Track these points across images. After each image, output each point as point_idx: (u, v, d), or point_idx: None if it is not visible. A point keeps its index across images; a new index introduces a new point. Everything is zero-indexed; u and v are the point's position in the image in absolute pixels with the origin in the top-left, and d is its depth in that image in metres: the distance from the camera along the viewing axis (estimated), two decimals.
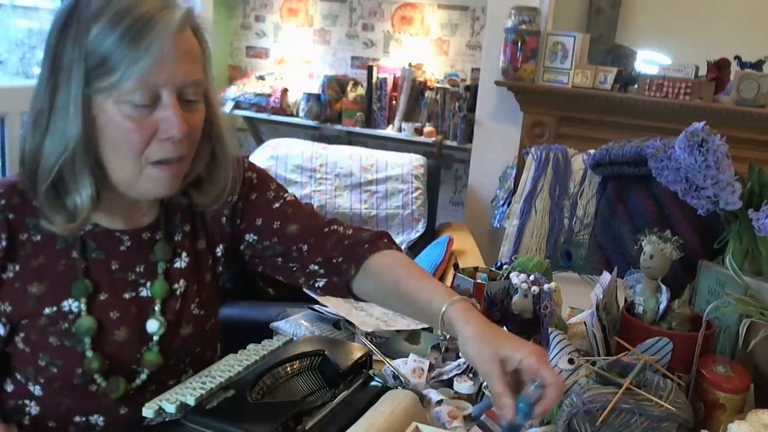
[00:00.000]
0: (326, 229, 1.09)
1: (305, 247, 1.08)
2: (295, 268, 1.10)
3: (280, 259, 1.10)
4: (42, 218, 0.93)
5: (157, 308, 1.01)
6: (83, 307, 0.97)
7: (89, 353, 0.96)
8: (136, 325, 1.00)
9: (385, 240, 1.09)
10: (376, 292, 1.06)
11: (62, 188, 0.91)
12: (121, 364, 0.99)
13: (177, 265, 1.05)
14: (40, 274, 0.96)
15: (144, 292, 1.02)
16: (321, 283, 1.09)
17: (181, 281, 1.04)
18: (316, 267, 1.08)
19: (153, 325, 1.00)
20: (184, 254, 1.05)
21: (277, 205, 1.11)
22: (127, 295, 1.01)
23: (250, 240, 1.11)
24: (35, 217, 0.95)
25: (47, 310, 0.96)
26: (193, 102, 0.93)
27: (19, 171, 0.96)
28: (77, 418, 1.00)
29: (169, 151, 0.91)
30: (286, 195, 1.13)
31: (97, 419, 1.00)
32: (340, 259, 1.06)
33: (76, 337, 0.96)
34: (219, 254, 1.11)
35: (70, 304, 0.97)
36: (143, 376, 1.00)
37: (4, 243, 0.94)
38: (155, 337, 1.01)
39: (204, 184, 1.03)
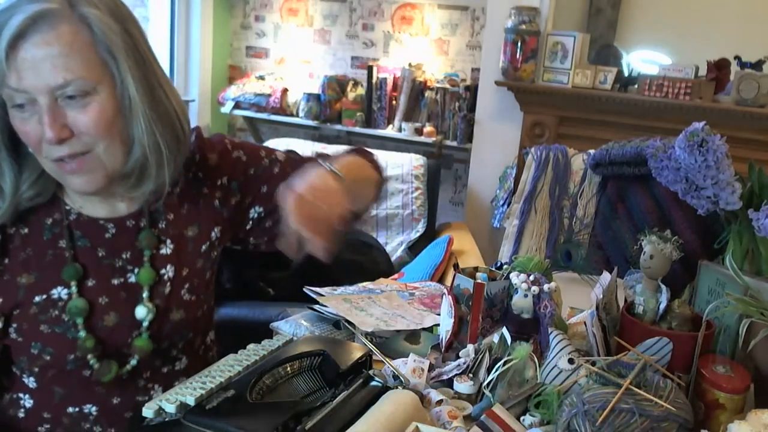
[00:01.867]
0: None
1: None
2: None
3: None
4: None
5: (145, 295, 1.03)
6: (74, 290, 0.99)
7: (82, 333, 0.99)
8: (126, 311, 1.03)
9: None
10: None
11: None
12: (112, 348, 1.01)
13: (163, 251, 1.06)
14: (28, 266, 0.99)
15: (132, 278, 1.04)
16: None
17: (168, 266, 1.06)
18: None
19: (141, 312, 1.03)
20: (168, 241, 1.07)
21: (276, 169, 1.14)
22: (115, 281, 1.03)
23: (255, 215, 1.13)
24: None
25: (37, 299, 0.99)
26: (79, 97, 0.90)
27: None
28: (70, 409, 1.02)
29: (56, 150, 0.92)
30: (278, 156, 1.16)
31: (90, 409, 1.02)
32: None
33: (67, 323, 0.99)
34: (214, 237, 1.11)
35: (59, 292, 0.99)
36: (133, 362, 1.02)
37: None
38: (144, 323, 1.03)
39: (133, 178, 1.00)
